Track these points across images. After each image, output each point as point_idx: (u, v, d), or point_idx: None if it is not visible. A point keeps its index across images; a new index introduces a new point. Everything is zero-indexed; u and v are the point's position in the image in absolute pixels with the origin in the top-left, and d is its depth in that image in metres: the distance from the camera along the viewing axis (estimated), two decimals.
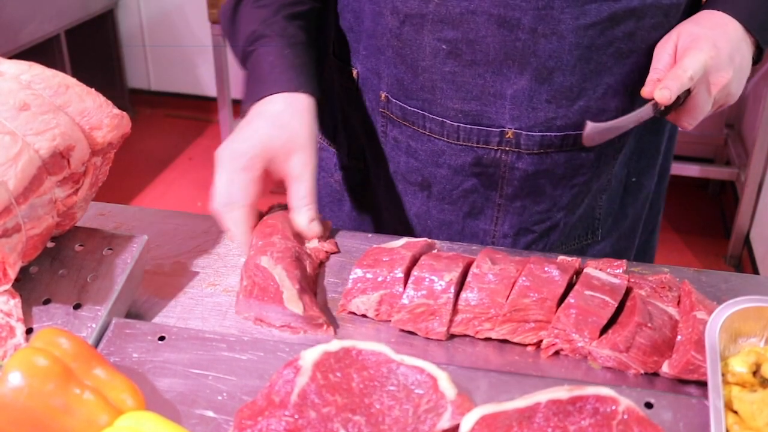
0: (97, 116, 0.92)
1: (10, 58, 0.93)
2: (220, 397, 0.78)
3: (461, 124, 1.04)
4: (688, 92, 0.94)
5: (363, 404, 0.72)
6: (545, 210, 1.10)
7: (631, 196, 1.18)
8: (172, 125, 4.24)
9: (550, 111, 1.01)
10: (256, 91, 1.02)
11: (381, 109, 1.11)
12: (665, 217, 3.95)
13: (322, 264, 1.01)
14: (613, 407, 0.71)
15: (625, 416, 0.70)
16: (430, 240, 1.00)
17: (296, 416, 0.70)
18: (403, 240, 0.98)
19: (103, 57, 4.06)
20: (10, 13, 3.04)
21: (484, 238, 1.12)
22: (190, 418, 0.76)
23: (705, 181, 3.62)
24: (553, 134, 1.03)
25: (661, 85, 0.91)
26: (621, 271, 0.93)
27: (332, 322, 0.91)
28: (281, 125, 0.99)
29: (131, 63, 4.27)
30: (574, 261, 0.94)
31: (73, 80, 0.92)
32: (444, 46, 0.99)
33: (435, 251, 0.98)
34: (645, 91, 0.94)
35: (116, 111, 0.94)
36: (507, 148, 1.04)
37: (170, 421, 0.71)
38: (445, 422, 0.71)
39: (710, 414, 0.70)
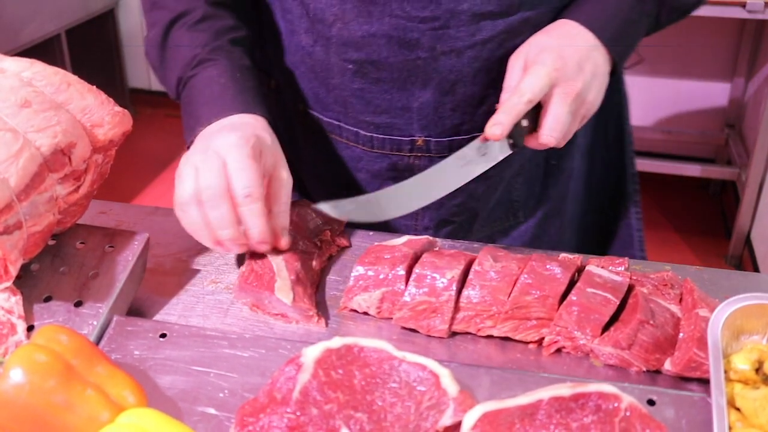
0: (99, 113, 0.92)
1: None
2: (221, 394, 0.78)
3: (374, 134, 1.09)
4: (538, 110, 0.94)
5: (365, 401, 0.72)
6: (461, 203, 1.15)
7: (552, 177, 1.20)
8: (172, 125, 4.23)
9: (456, 118, 1.06)
10: (207, 113, 0.97)
11: (300, 119, 1.16)
12: (666, 217, 3.93)
13: (331, 257, 1.01)
14: (616, 404, 0.71)
15: (628, 413, 0.70)
16: (431, 237, 1.00)
17: (298, 413, 0.70)
18: (405, 237, 0.98)
19: (103, 57, 4.06)
20: (11, 13, 3.04)
21: (406, 231, 1.16)
22: (192, 415, 0.76)
23: (706, 180, 3.62)
24: (460, 137, 1.07)
25: (492, 120, 0.91)
26: (623, 268, 0.93)
27: (325, 315, 0.92)
28: (261, 129, 0.95)
29: (132, 63, 4.27)
30: (576, 258, 0.94)
31: (75, 77, 0.92)
32: (350, 66, 1.05)
33: (436, 249, 0.98)
34: (498, 107, 0.94)
35: (117, 108, 0.94)
36: (419, 154, 1.09)
37: (172, 418, 0.71)
38: (447, 419, 0.71)
39: (713, 411, 0.70)
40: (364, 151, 1.11)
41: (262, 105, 0.99)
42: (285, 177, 0.94)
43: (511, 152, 0.95)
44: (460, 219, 1.16)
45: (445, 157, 1.03)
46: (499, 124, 0.91)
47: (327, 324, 0.91)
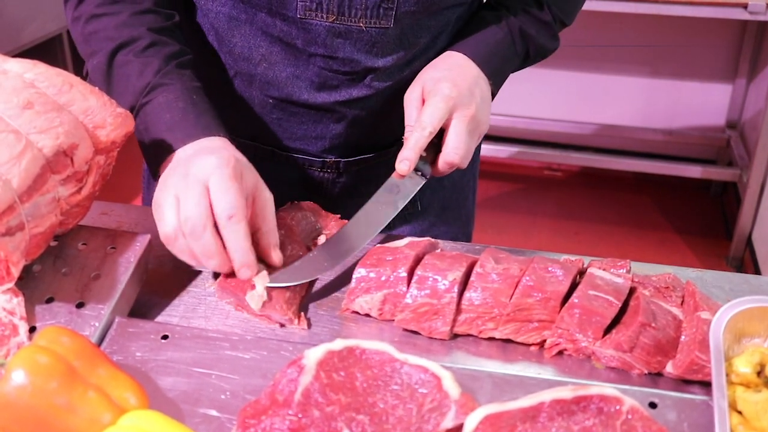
0: (101, 115, 0.92)
1: (13, 57, 0.93)
2: (223, 396, 0.78)
3: (289, 154, 1.18)
4: (438, 137, 1.03)
5: (367, 403, 0.72)
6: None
7: (447, 177, 1.25)
8: None
9: (362, 141, 1.17)
10: (172, 138, 0.96)
11: None
12: (667, 218, 3.93)
13: None
14: (618, 407, 0.71)
15: (630, 416, 0.70)
16: (433, 239, 1.00)
17: (300, 415, 0.70)
18: (407, 239, 0.98)
19: None
20: (12, 13, 3.04)
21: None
22: (194, 417, 0.76)
23: (707, 182, 3.62)
24: (367, 155, 1.19)
25: (400, 157, 1.00)
26: (625, 271, 0.93)
27: (302, 317, 0.92)
28: (234, 151, 0.94)
29: None
30: (577, 261, 0.94)
31: (77, 79, 0.92)
32: (270, 101, 1.13)
33: (438, 251, 0.98)
34: (404, 139, 1.02)
35: (120, 110, 0.94)
36: (329, 170, 1.19)
37: (173, 419, 0.71)
38: (449, 422, 0.71)
39: (714, 414, 0.70)
40: (279, 164, 1.18)
41: (221, 125, 0.99)
42: (267, 195, 0.94)
43: (423, 182, 1.04)
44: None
45: (351, 172, 1.19)
46: (405, 160, 1.00)
47: (309, 324, 0.91)
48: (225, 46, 1.10)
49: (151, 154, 0.98)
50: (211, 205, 0.87)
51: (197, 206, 0.86)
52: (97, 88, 0.93)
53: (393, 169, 1.10)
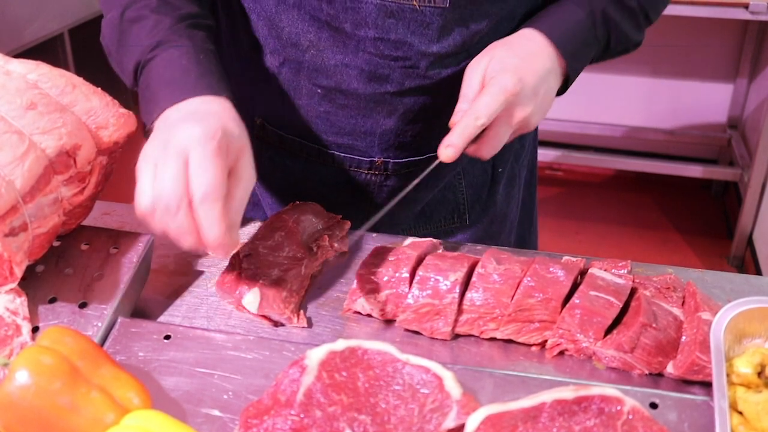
0: (104, 115, 0.92)
1: (14, 56, 0.93)
2: (225, 396, 0.78)
3: (335, 152, 1.12)
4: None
5: (369, 403, 0.73)
6: (410, 210, 1.20)
7: (498, 184, 1.25)
8: None
9: (415, 143, 1.11)
10: (168, 95, 0.89)
11: (255, 132, 1.15)
12: (668, 218, 3.92)
13: (327, 262, 1.01)
14: (618, 407, 0.71)
15: (630, 416, 0.71)
16: (435, 240, 1.00)
17: (302, 415, 0.70)
18: (409, 240, 0.98)
19: (106, 56, 4.06)
20: (14, 12, 3.04)
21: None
22: (196, 417, 0.76)
23: (708, 181, 3.62)
24: (417, 158, 1.13)
25: (446, 142, 0.93)
26: (626, 271, 0.93)
27: (301, 315, 0.92)
28: (228, 119, 0.86)
29: None
30: (578, 261, 0.94)
31: (80, 79, 0.92)
32: (319, 90, 1.07)
33: (440, 251, 0.98)
34: (452, 122, 0.96)
35: (122, 110, 0.95)
36: (376, 172, 1.13)
37: (176, 419, 0.71)
38: (451, 422, 0.71)
39: (715, 415, 0.70)
40: (323, 165, 1.14)
41: (227, 89, 0.92)
42: (245, 174, 0.85)
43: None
44: (407, 225, 1.21)
45: (400, 175, 1.13)
46: (452, 146, 0.93)
47: (310, 323, 0.92)
48: (274, 32, 1.05)
49: (146, 112, 0.90)
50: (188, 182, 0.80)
51: (173, 181, 0.78)
52: (100, 89, 0.94)
53: (442, 175, 1.09)
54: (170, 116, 0.86)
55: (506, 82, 0.94)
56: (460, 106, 0.97)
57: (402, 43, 1.00)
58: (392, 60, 1.02)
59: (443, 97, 1.05)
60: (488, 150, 0.97)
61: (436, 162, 0.95)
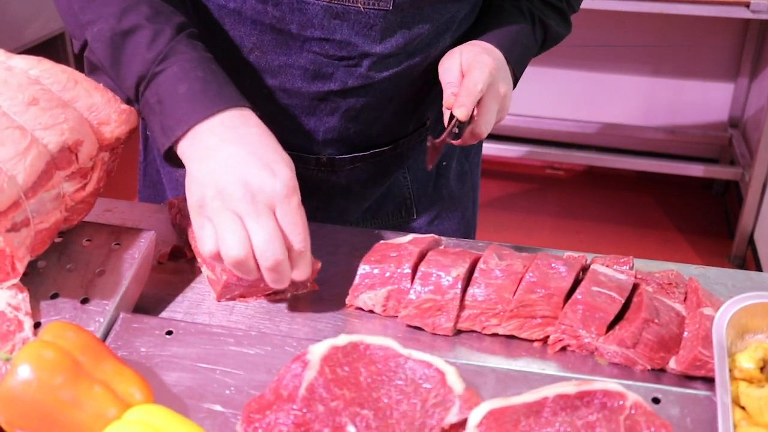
0: (105, 111, 0.92)
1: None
2: (228, 391, 0.78)
3: None
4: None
5: (371, 398, 0.73)
6: (359, 206, 1.23)
7: (444, 178, 1.30)
8: None
9: (357, 139, 1.15)
10: (193, 107, 0.88)
11: None
12: (669, 217, 3.92)
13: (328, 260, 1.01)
14: (621, 402, 0.71)
15: (633, 411, 0.71)
16: (436, 236, 1.00)
17: (304, 410, 0.70)
18: (410, 236, 0.98)
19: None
20: (15, 11, 3.04)
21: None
22: (198, 412, 0.76)
23: (709, 181, 3.62)
24: (361, 153, 1.17)
25: (458, 103, 0.99)
26: (628, 267, 0.93)
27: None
28: (275, 146, 0.89)
29: None
30: (581, 257, 0.94)
31: (82, 75, 0.92)
32: (264, 91, 1.09)
33: (441, 247, 0.98)
34: (448, 103, 1.01)
35: (124, 106, 0.94)
36: (323, 169, 1.16)
37: (178, 414, 0.71)
38: (453, 416, 0.71)
39: (718, 410, 0.70)
40: None
41: (245, 98, 0.93)
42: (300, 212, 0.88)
43: (452, 141, 1.02)
44: (355, 219, 1.24)
45: (345, 170, 1.16)
46: (464, 106, 0.98)
47: (317, 286, 0.95)
48: (219, 35, 1.05)
49: (167, 128, 0.89)
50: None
51: (277, 241, 0.82)
52: (100, 83, 0.94)
53: (387, 171, 1.11)
54: (208, 139, 0.86)
55: (485, 60, 1.02)
56: (448, 90, 1.02)
57: (346, 44, 1.04)
58: (336, 59, 1.05)
59: (384, 96, 1.10)
60: (483, 125, 1.02)
61: (454, 121, 0.99)
